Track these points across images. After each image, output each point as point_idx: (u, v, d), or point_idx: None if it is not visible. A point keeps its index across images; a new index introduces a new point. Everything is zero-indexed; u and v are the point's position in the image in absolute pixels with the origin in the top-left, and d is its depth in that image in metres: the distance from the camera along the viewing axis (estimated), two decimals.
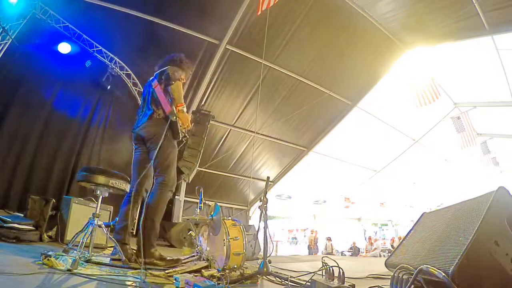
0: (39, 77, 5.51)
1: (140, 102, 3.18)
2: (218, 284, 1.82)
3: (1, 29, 4.70)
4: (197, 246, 2.79)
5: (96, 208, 2.49)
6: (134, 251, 2.54)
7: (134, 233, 3.49)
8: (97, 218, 2.41)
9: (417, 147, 10.75)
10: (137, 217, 2.83)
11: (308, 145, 9.91)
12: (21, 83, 5.33)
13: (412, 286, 1.49)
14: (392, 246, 13.27)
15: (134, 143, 2.88)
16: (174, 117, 2.69)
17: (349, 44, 7.14)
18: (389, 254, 4.19)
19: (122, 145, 6.24)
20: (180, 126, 2.79)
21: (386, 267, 2.47)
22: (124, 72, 6.64)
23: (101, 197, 2.58)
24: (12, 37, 4.93)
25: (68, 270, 1.83)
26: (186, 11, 6.00)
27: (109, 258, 2.44)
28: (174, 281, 1.85)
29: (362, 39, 7.02)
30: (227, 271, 2.19)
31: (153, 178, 2.77)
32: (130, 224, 2.67)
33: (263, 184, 9.77)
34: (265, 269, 2.14)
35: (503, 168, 10.47)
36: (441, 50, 7.07)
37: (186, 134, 3.02)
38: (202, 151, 7.48)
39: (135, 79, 6.75)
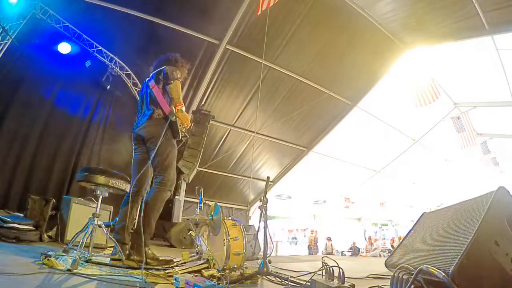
0: (39, 77, 5.52)
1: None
2: (218, 284, 1.82)
3: (1, 29, 4.70)
4: (197, 246, 2.78)
5: (96, 208, 2.49)
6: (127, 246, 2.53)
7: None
8: (97, 218, 2.41)
9: (417, 147, 10.75)
10: (137, 217, 2.83)
11: (308, 145, 9.91)
12: (21, 83, 5.33)
13: (412, 286, 1.48)
14: (392, 246, 13.25)
15: (134, 143, 2.89)
16: (174, 117, 2.69)
17: (349, 44, 7.14)
18: (389, 254, 4.19)
19: (122, 145, 6.25)
20: (180, 125, 2.80)
21: (386, 267, 2.47)
22: (124, 72, 6.65)
23: (101, 197, 2.58)
24: (12, 37, 4.93)
25: (68, 270, 1.83)
26: (186, 11, 6.00)
27: (109, 258, 2.43)
28: (174, 281, 1.85)
29: (362, 39, 7.02)
30: (227, 271, 2.19)
31: (153, 178, 2.77)
32: (130, 224, 2.67)
33: (263, 184, 9.76)
34: (265, 269, 2.14)
35: (503, 168, 10.46)
36: (441, 50, 7.07)
37: (186, 134, 3.02)
38: (202, 151, 7.48)
39: (135, 79, 6.76)
